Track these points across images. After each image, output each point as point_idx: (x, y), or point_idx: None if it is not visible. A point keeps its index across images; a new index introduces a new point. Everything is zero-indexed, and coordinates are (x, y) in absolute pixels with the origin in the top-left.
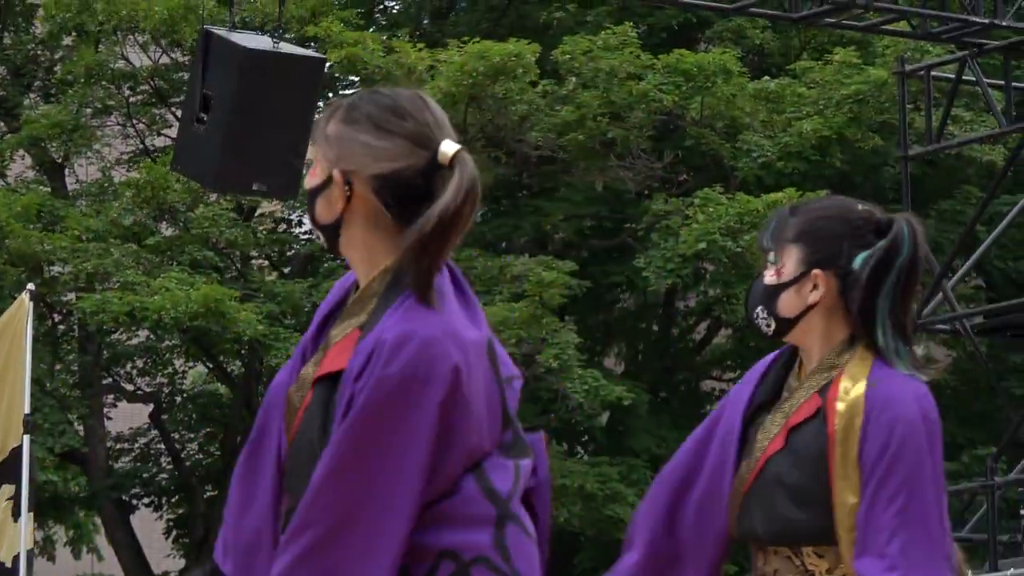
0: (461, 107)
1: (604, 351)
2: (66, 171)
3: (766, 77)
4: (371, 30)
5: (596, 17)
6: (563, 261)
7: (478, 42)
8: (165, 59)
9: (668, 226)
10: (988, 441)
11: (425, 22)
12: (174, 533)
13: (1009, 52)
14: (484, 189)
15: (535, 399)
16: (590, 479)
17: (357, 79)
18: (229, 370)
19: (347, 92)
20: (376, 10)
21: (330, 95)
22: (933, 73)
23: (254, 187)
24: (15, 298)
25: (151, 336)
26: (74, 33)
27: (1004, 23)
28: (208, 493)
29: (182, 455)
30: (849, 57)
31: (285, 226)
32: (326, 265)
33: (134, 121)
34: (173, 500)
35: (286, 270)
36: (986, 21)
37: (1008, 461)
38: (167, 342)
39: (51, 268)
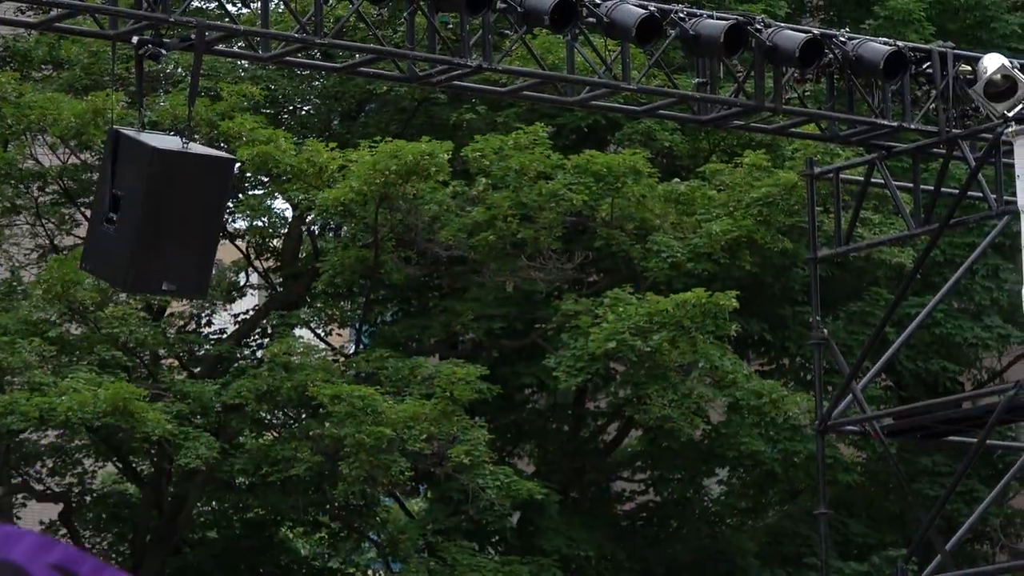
0: (372, 207)
1: (514, 452)
2: None
3: (676, 179)
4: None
5: (506, 118)
6: (473, 365)
7: (390, 141)
8: (74, 159)
9: (578, 326)
10: (898, 543)
11: (335, 123)
12: None
13: (917, 154)
14: (394, 290)
15: (446, 499)
16: None
17: (267, 178)
18: (139, 470)
19: (257, 192)
20: (284, 112)
21: (239, 195)
22: (842, 175)
23: (164, 287)
24: None
25: (60, 436)
26: None
27: (912, 126)
28: None
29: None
30: (758, 160)
31: (195, 325)
32: (236, 365)
33: (43, 221)
34: None
35: (196, 369)
36: (894, 124)
37: (919, 562)
38: (76, 442)
39: None
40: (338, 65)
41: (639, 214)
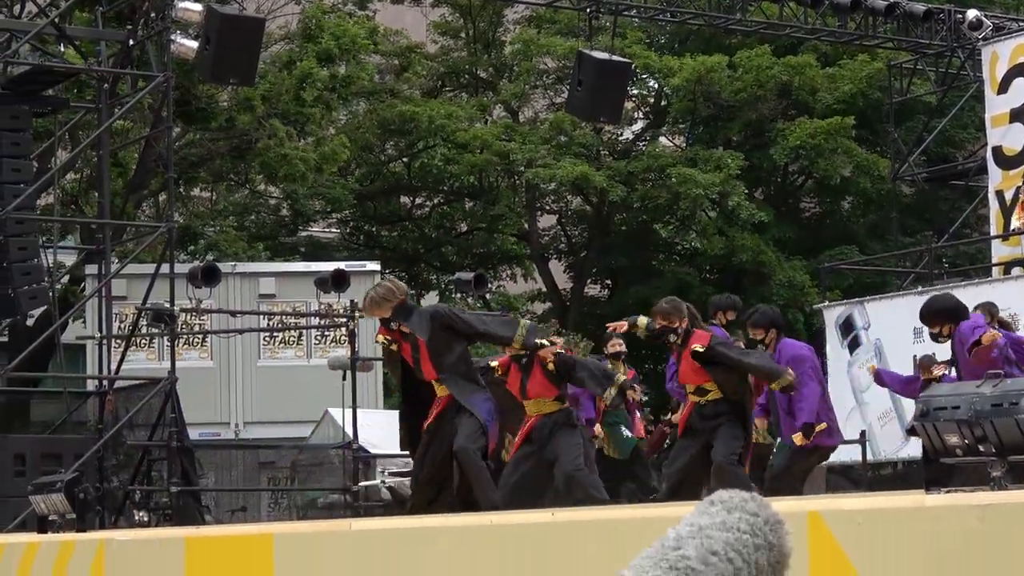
0: None
1: None
2: None
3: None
4: None
5: None
6: None
7: None
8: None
9: None
10: (928, 228)
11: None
12: (566, 270)
13: (938, 56)
14: None
15: None
16: None
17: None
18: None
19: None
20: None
21: (634, 78)
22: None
23: (601, 118)
24: None
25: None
26: None
27: (935, 42)
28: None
29: (571, 237)
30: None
31: (613, 134)
32: (630, 150)
33: (549, 92)
34: (566, 256)
35: (612, 155)
36: (927, 42)
37: (938, 238)
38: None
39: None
40: None
41: None
